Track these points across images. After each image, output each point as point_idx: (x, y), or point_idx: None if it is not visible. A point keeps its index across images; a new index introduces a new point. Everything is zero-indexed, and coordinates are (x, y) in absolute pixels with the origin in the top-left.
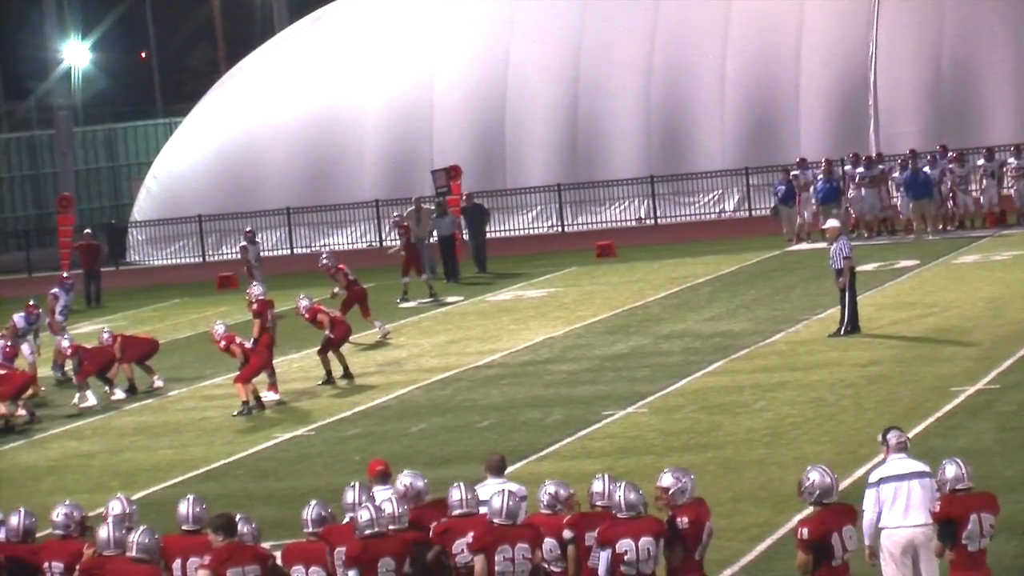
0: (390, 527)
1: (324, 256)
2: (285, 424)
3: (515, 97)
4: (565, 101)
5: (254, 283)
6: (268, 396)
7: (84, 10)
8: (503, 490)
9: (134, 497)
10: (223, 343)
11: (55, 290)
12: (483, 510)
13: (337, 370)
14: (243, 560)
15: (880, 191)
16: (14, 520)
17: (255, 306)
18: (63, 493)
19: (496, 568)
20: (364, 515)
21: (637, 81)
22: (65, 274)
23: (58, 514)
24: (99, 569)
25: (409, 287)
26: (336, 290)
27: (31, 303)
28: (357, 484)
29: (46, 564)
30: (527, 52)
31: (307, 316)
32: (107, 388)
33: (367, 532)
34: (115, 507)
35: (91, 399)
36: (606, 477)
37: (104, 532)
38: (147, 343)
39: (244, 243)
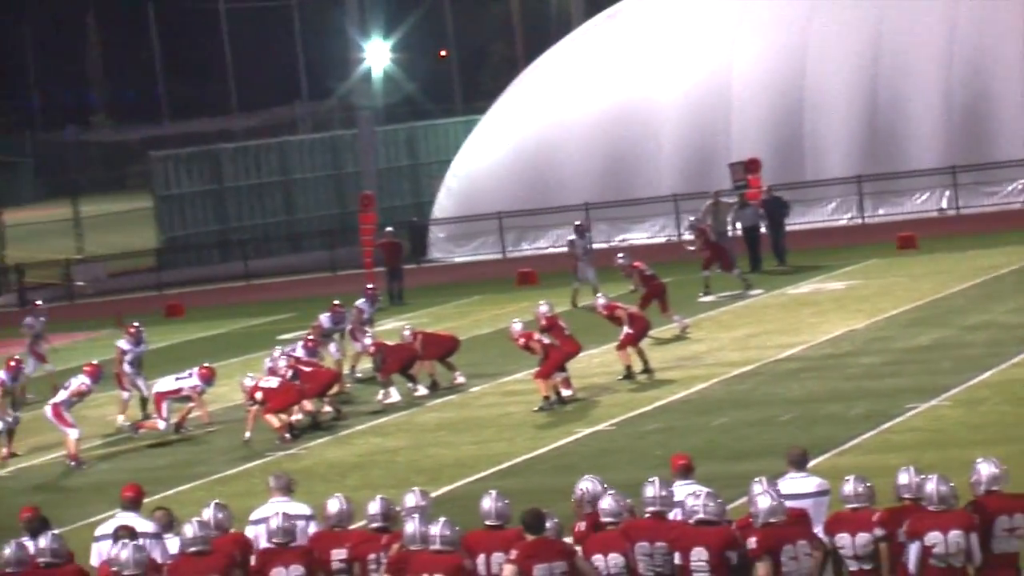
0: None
1: (619, 255)
2: (586, 419)
3: (814, 88)
4: (864, 91)
5: (541, 302)
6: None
7: (386, 10)
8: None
9: (437, 493)
10: (522, 340)
11: (360, 302)
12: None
13: (637, 365)
14: (549, 556)
15: None
16: (334, 506)
17: (544, 322)
18: (369, 488)
19: (783, 570)
20: (690, 501)
21: (937, 70)
22: (370, 285)
23: (375, 507)
24: (405, 563)
25: (711, 281)
26: (633, 287)
27: (336, 303)
28: (657, 479)
29: (373, 555)
30: (826, 42)
31: (604, 313)
32: (409, 385)
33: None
34: (409, 500)
35: (395, 395)
36: (911, 469)
37: (411, 527)
38: (448, 340)
39: (572, 236)
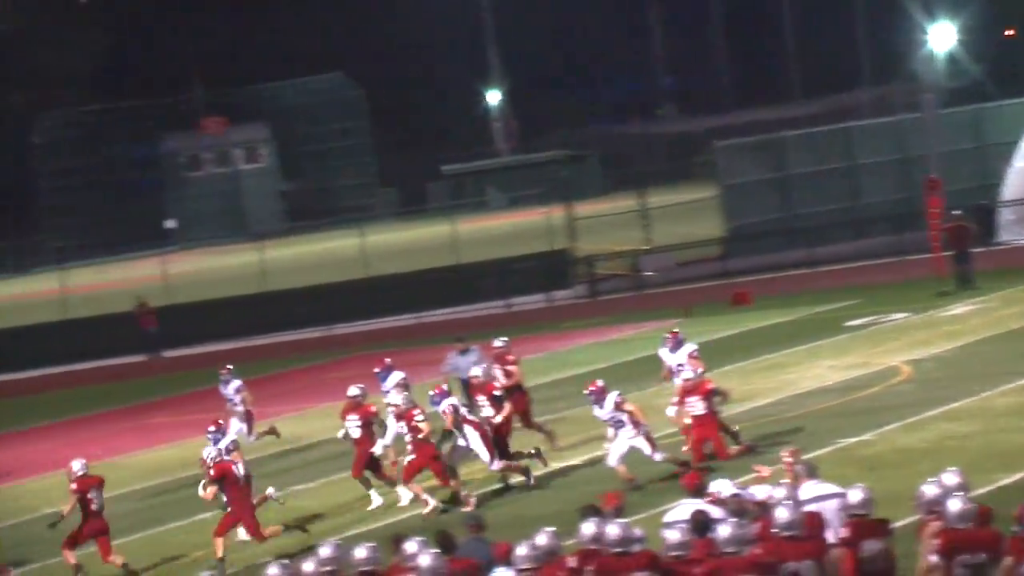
0: None
1: None
2: None
3: None
4: None
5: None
6: None
7: None
8: None
9: (1010, 480)
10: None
11: None
12: None
13: None
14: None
15: None
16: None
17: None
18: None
19: None
20: None
21: None
22: None
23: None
24: (955, 543)
25: None
26: None
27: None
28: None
29: None
30: None
31: None
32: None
33: None
34: (948, 479)
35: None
36: None
37: (955, 505)
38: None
39: None
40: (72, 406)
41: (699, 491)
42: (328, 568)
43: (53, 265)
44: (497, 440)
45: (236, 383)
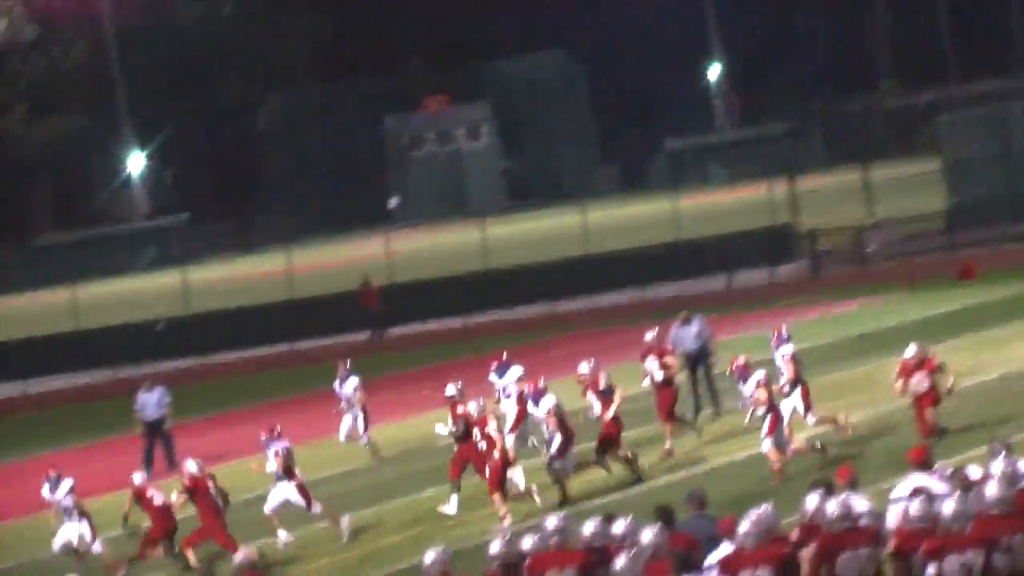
0: None
1: None
2: None
3: None
4: None
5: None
6: None
7: None
8: None
9: None
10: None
11: None
12: None
13: None
14: None
15: None
16: None
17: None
18: None
19: None
20: None
21: None
22: None
23: None
24: None
25: None
26: None
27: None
28: None
29: None
30: None
31: None
32: None
33: None
34: None
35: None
36: None
37: None
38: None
39: None
40: (297, 385)
41: (926, 465)
42: (556, 539)
43: (279, 244)
44: (603, 441)
45: (355, 380)
